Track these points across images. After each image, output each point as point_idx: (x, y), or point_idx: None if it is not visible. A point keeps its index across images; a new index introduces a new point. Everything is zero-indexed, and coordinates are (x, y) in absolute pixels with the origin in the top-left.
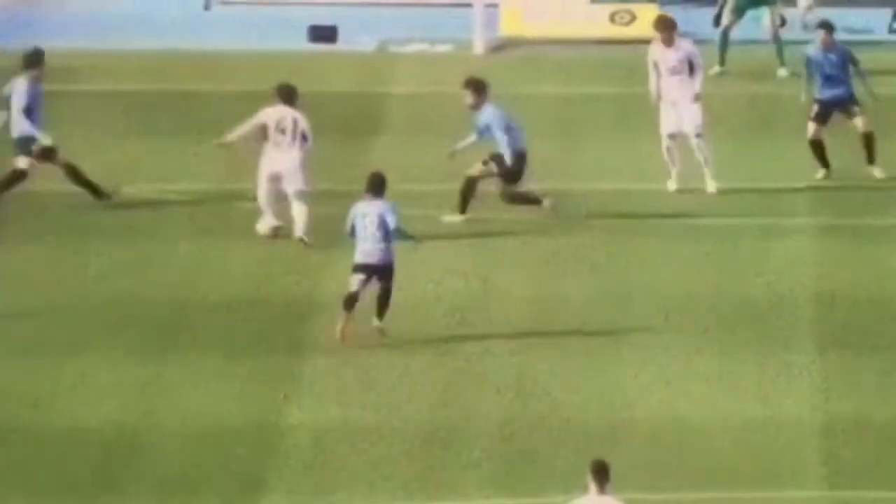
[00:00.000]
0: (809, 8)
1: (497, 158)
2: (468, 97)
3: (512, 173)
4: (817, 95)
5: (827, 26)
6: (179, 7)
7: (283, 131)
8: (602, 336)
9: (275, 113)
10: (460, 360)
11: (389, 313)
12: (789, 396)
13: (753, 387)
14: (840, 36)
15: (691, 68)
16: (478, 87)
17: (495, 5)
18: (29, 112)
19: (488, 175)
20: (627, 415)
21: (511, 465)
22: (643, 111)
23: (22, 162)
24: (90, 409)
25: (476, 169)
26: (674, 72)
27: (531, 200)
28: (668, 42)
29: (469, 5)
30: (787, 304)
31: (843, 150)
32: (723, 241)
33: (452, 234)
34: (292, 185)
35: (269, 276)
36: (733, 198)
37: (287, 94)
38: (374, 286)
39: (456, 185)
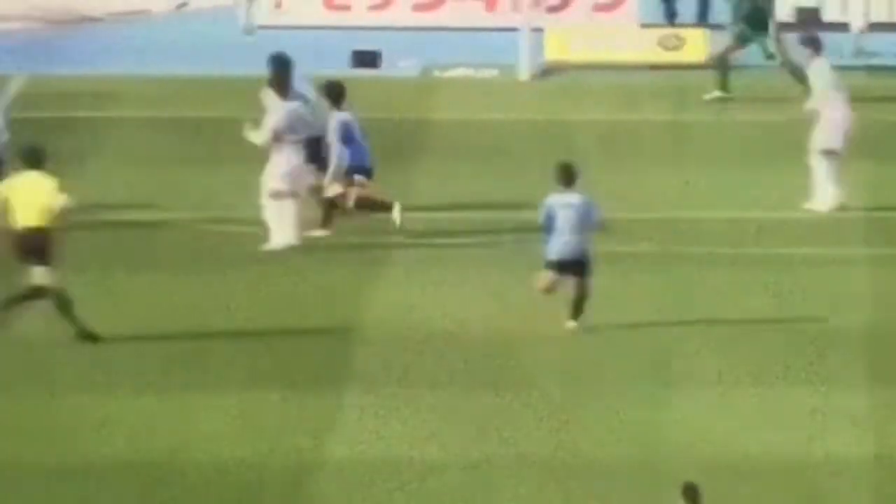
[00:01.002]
0: (862, 32)
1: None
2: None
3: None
4: None
5: None
6: (219, 32)
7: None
8: (642, 361)
9: None
10: (497, 391)
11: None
12: (839, 434)
13: (802, 423)
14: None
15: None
16: (332, 93)
17: (541, 30)
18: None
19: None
20: (656, 443)
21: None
22: (691, 138)
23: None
24: (115, 444)
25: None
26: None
27: (329, 216)
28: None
29: (515, 30)
30: (838, 337)
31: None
32: (772, 270)
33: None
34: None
35: (300, 305)
36: (783, 226)
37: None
38: (570, 284)
39: (498, 213)
